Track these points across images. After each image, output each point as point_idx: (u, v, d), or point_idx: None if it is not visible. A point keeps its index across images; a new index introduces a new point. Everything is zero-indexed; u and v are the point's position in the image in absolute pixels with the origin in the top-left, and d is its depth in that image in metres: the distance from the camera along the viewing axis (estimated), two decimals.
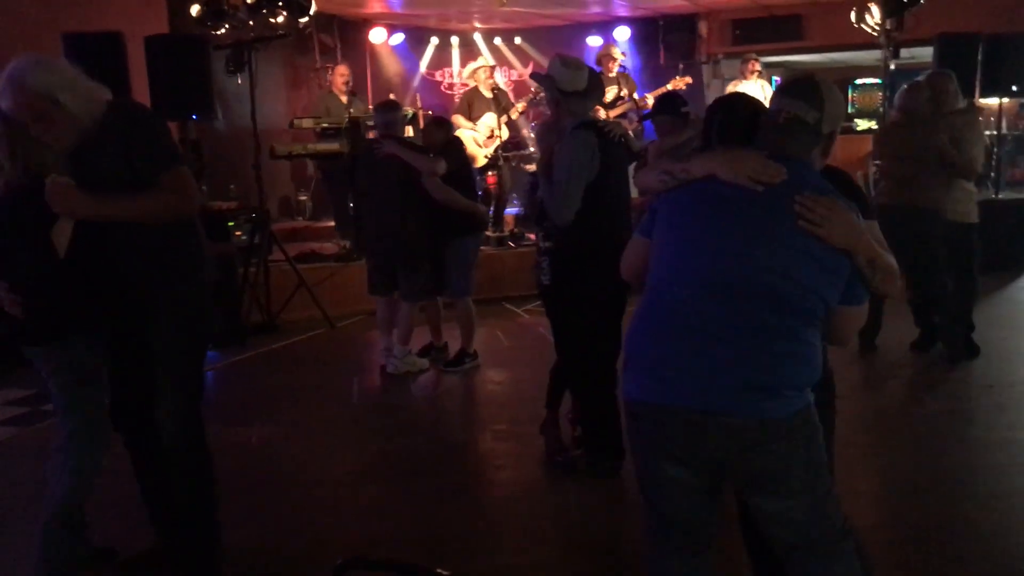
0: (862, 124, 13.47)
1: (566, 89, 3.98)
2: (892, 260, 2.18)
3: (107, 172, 2.74)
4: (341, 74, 9.08)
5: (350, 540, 3.56)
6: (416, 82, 11.45)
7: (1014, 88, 8.52)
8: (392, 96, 10.21)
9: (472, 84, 9.17)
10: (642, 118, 5.40)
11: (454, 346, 6.14)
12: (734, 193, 2.10)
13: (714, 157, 2.19)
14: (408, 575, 1.65)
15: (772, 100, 2.29)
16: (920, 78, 5.80)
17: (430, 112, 9.30)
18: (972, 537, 3.43)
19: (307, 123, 8.76)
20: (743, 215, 2.08)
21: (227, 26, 7.82)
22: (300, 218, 10.05)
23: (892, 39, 8.33)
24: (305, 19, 8.48)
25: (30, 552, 2.93)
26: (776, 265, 2.03)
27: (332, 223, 9.04)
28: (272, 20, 7.99)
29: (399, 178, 5.56)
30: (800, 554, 2.16)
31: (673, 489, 2.19)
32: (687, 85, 9.10)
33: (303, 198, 10.15)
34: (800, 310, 2.05)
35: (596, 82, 4.10)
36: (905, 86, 5.75)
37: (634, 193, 4.23)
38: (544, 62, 9.13)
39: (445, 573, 1.59)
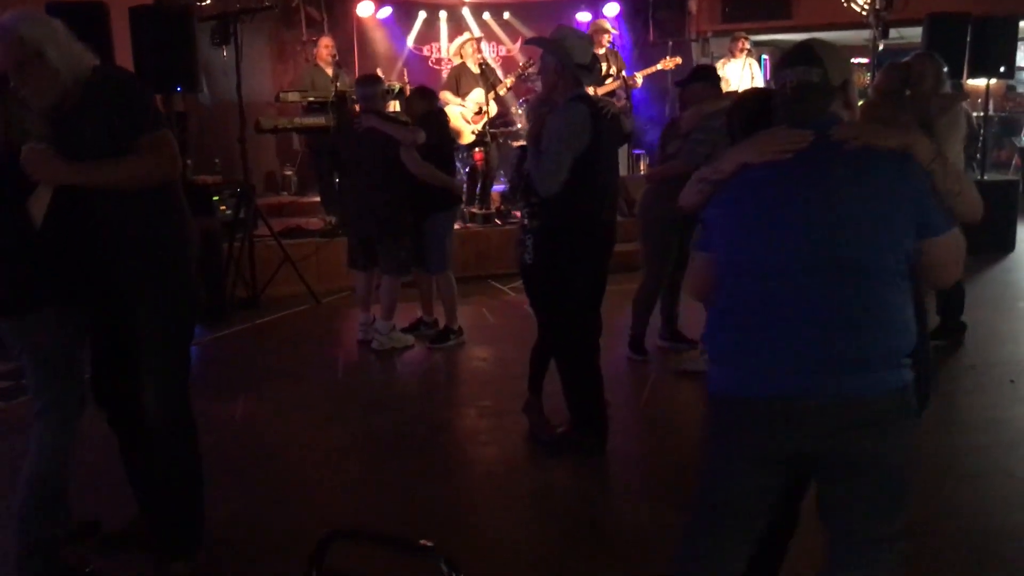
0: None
1: (578, 60, 3.93)
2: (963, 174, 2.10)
3: (89, 138, 2.70)
4: (325, 45, 8.98)
5: (334, 516, 3.56)
6: (403, 56, 11.35)
7: (1001, 69, 8.53)
8: (379, 70, 10.14)
9: (459, 60, 9.09)
10: (676, 83, 5.37)
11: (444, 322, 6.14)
12: (773, 174, 2.07)
13: (739, 147, 2.18)
14: (392, 547, 1.65)
15: (774, 77, 2.28)
16: (906, 59, 5.76)
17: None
18: (952, 516, 3.46)
19: (293, 97, 8.67)
20: (790, 191, 2.05)
21: None
22: (285, 193, 9.99)
23: (881, 19, 8.32)
24: None
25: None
26: (840, 227, 1.98)
27: (317, 198, 8.99)
28: None
29: (379, 152, 5.55)
30: (858, 548, 2.11)
31: (746, 485, 2.13)
32: (676, 66, 9.07)
33: (288, 173, 10.08)
34: (878, 269, 1.98)
35: (596, 59, 4.11)
36: (885, 66, 5.72)
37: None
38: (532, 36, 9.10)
39: (428, 544, 1.59)
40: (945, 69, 5.43)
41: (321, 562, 1.68)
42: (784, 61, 2.22)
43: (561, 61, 3.91)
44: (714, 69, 5.18)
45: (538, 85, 4.54)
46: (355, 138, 5.71)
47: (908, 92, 5.37)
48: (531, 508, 3.74)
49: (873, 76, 9.51)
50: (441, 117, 6.11)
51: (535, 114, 4.15)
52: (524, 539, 3.43)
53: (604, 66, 8.93)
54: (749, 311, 2.08)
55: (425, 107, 5.91)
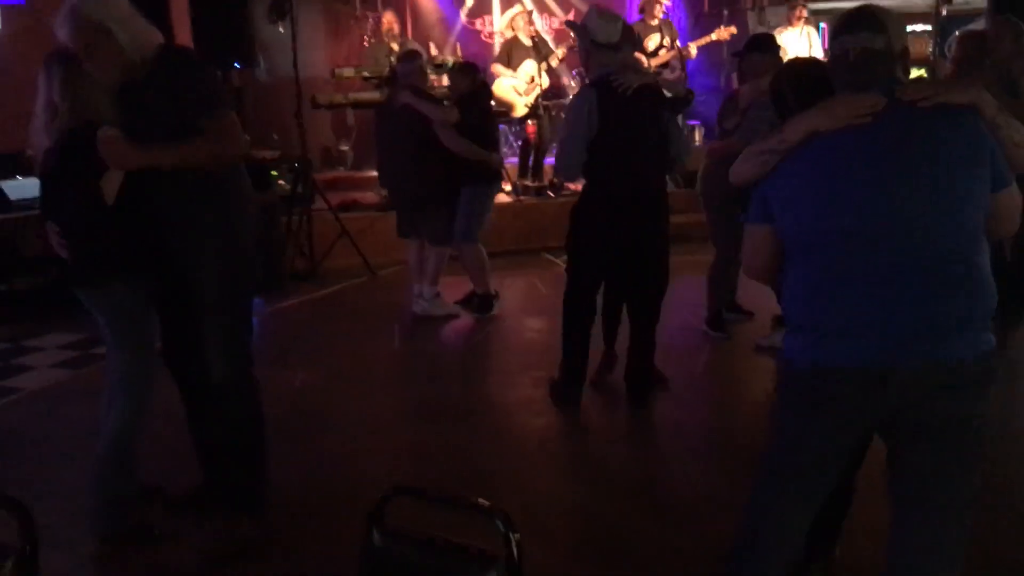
0: (912, 72, 13.13)
1: (599, 40, 4.07)
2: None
3: (154, 115, 2.80)
4: (388, 21, 9.05)
5: (390, 480, 3.60)
6: (456, 31, 11.35)
7: None
8: (432, 45, 10.16)
9: (511, 33, 9.07)
10: (734, 54, 5.32)
11: (504, 294, 6.24)
12: (848, 140, 2.05)
13: (808, 115, 2.11)
14: (450, 505, 1.69)
15: (832, 44, 2.21)
16: (974, 25, 5.55)
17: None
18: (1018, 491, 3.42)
19: (348, 72, 8.76)
20: (871, 155, 2.03)
21: None
22: (341, 168, 10.09)
23: None
24: None
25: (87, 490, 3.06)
26: (926, 190, 1.98)
27: (372, 173, 9.06)
28: None
29: (413, 127, 5.67)
30: (928, 515, 2.10)
31: (824, 450, 2.16)
32: (731, 36, 8.93)
33: (344, 148, 10.18)
34: (966, 230, 2.00)
35: (628, 35, 4.14)
36: (957, 33, 5.54)
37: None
38: (585, 9, 9.07)
39: (485, 503, 1.63)
40: None
41: (381, 518, 1.74)
42: (845, 27, 2.16)
43: (584, 42, 4.12)
44: (772, 38, 5.06)
45: None
46: (392, 113, 5.85)
47: (988, 61, 5.19)
48: (585, 474, 3.79)
49: (937, 44, 9.26)
50: (482, 96, 6.09)
51: None
52: (579, 503, 3.48)
53: (659, 37, 8.85)
54: (835, 279, 2.06)
55: (467, 85, 5.95)
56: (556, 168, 4.29)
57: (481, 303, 6.06)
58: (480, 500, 1.64)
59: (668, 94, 4.38)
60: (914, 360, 1.99)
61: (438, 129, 5.63)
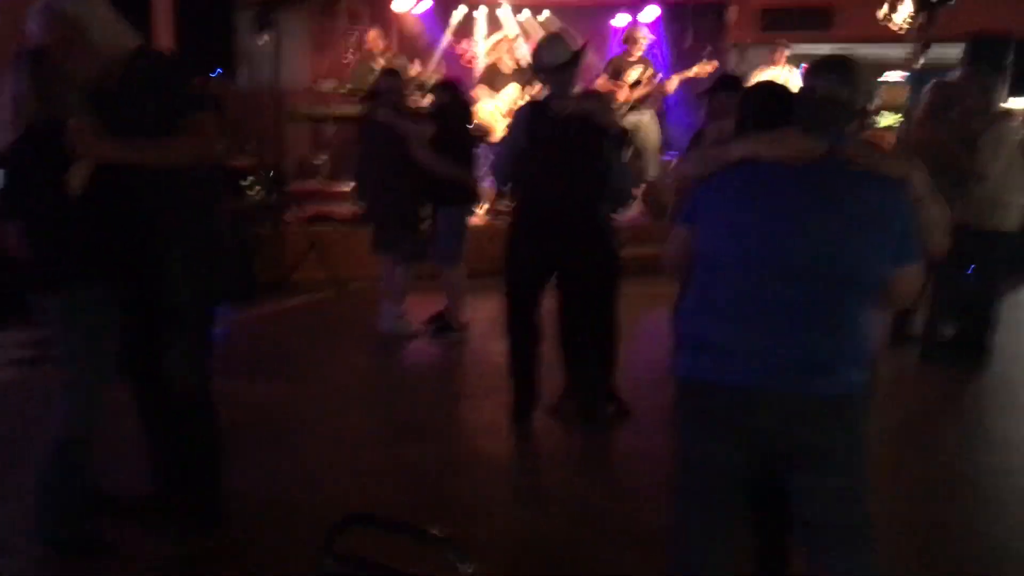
0: (886, 119, 13.35)
1: (544, 63, 4.24)
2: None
3: (129, 116, 2.76)
4: (372, 38, 9.09)
5: (349, 499, 3.61)
6: (440, 51, 11.38)
7: None
8: (418, 63, 10.18)
9: (493, 58, 9.14)
10: (701, 94, 5.37)
11: (475, 316, 6.23)
12: (776, 175, 2.16)
13: (755, 139, 2.25)
14: (404, 534, 1.68)
15: (805, 80, 2.34)
16: (949, 77, 5.64)
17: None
18: (965, 535, 3.45)
19: (330, 86, 8.75)
20: (790, 196, 2.14)
21: None
22: (317, 179, 10.05)
23: (922, 36, 8.24)
24: None
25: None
26: (828, 241, 2.09)
27: (348, 186, 9.04)
28: None
29: (391, 144, 5.71)
30: (825, 538, 2.19)
31: (713, 467, 2.23)
32: (712, 71, 9.04)
33: (321, 160, 10.14)
34: (855, 285, 2.11)
35: (574, 58, 4.23)
36: (932, 82, 5.64)
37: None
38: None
39: (438, 534, 1.63)
40: (1002, 86, 5.29)
41: (334, 544, 1.72)
42: (819, 68, 2.28)
43: (535, 65, 4.39)
44: (740, 79, 5.08)
45: None
46: (371, 129, 5.91)
47: (955, 112, 5.29)
48: (545, 501, 3.77)
49: (912, 93, 9.45)
50: (457, 109, 6.07)
51: None
52: (538, 530, 3.47)
53: (640, 70, 8.97)
54: (726, 303, 2.18)
55: (446, 99, 5.99)
56: (493, 173, 4.50)
57: (443, 326, 6.05)
58: (432, 531, 1.64)
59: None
60: (778, 387, 2.10)
61: (412, 146, 5.66)
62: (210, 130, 2.87)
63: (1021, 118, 7.72)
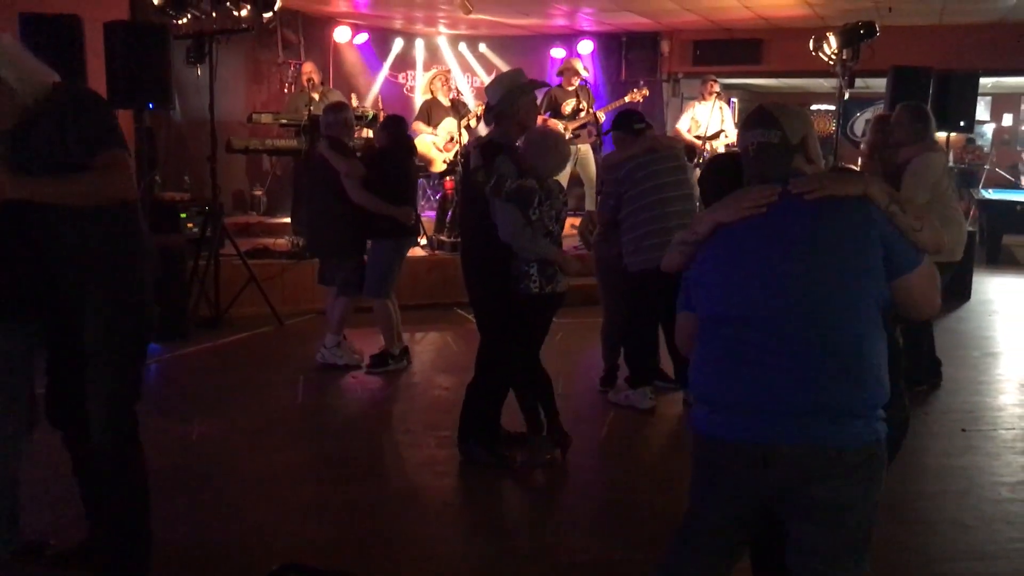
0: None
1: (489, 103, 4.41)
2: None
3: (41, 151, 2.66)
4: (306, 72, 9.09)
5: (286, 541, 3.54)
6: (379, 83, 11.42)
7: (961, 123, 8.76)
8: (354, 96, 10.19)
9: (429, 96, 9.22)
10: (601, 133, 5.58)
11: (415, 349, 6.24)
12: (745, 230, 2.20)
13: (712, 209, 2.32)
14: None
15: (738, 140, 2.43)
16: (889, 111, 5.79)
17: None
18: (899, 565, 3.52)
19: (266, 118, 8.69)
20: (761, 244, 2.18)
21: (189, 16, 7.72)
22: (254, 213, 9.95)
23: (847, 68, 8.52)
24: (270, 14, 8.41)
25: None
26: (809, 277, 2.10)
27: (286, 219, 8.98)
28: (236, 13, 7.90)
29: (328, 178, 5.79)
30: None
31: (722, 518, 2.26)
32: (644, 97, 9.23)
33: (258, 193, 10.06)
34: (851, 317, 2.09)
35: (506, 99, 4.29)
36: (872, 119, 5.80)
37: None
38: (506, 69, 9.23)
39: None
40: (929, 120, 5.45)
41: None
42: (745, 124, 2.37)
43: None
44: (630, 116, 5.35)
45: None
46: (311, 162, 5.97)
47: (889, 144, 5.46)
48: (488, 537, 3.74)
49: (839, 122, 9.76)
50: (399, 152, 6.11)
51: None
52: (481, 567, 3.43)
53: (574, 102, 9.10)
54: (727, 358, 2.19)
55: (386, 139, 6.08)
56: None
57: (378, 359, 6.03)
58: None
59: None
60: (794, 442, 2.08)
61: (344, 181, 5.74)
62: (124, 169, 2.76)
63: (945, 148, 8.03)
